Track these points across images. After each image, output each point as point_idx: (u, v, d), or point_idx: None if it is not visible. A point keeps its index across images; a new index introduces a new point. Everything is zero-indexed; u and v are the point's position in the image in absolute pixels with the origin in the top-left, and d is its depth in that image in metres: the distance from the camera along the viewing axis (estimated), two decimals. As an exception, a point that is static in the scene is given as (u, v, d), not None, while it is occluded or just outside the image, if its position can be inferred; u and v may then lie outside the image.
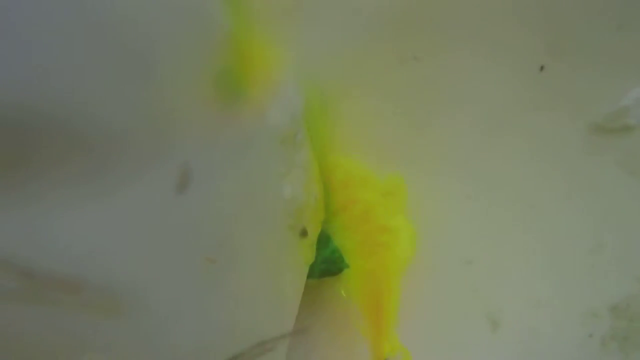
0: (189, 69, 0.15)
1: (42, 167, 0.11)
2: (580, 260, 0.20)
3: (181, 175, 0.15)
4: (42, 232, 0.11)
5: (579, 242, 0.20)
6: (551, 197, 0.20)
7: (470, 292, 0.21)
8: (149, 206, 0.14)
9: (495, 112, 0.21)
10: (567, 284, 0.20)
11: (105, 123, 0.12)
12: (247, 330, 0.19)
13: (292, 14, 0.21)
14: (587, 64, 0.19)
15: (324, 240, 0.24)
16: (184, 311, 0.15)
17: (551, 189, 0.20)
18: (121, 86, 0.13)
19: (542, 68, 0.20)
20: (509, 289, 0.21)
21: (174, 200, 0.15)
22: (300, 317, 0.22)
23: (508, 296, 0.21)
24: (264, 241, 0.20)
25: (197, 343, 0.16)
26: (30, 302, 0.10)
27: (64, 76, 0.11)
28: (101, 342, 0.12)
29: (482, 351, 0.21)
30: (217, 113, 0.17)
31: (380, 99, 0.22)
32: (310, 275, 0.23)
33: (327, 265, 0.24)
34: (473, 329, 0.21)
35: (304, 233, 0.22)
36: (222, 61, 0.17)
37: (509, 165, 0.21)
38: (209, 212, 0.16)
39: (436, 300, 0.22)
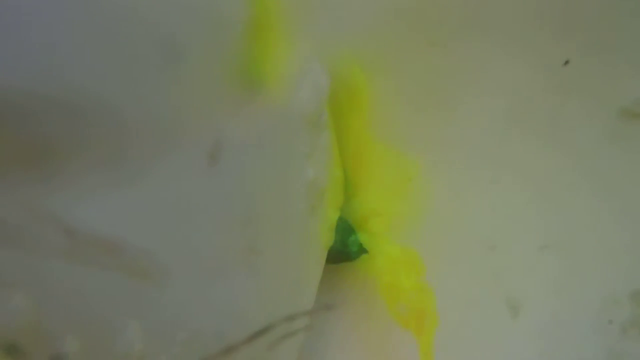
0: (216, 52, 0.16)
1: (84, 148, 0.11)
2: (601, 246, 0.20)
3: (213, 149, 0.15)
4: (86, 203, 0.11)
5: (601, 228, 0.20)
6: (575, 182, 0.21)
7: (491, 278, 0.21)
8: (184, 178, 0.14)
9: (520, 98, 0.21)
10: (587, 271, 0.20)
11: (140, 106, 0.12)
12: (269, 307, 0.19)
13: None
14: (614, 48, 0.19)
15: (342, 225, 0.24)
16: (214, 282, 0.15)
17: (575, 175, 0.20)
18: (152, 71, 0.13)
19: (566, 62, 0.20)
20: (530, 275, 0.21)
21: (207, 172, 0.15)
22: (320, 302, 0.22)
23: (529, 282, 0.21)
24: (286, 220, 0.20)
25: (224, 314, 0.16)
26: (76, 260, 0.10)
27: (97, 62, 0.11)
28: (138, 306, 0.12)
29: (502, 337, 0.21)
30: (245, 93, 0.17)
31: (403, 84, 0.22)
32: (328, 260, 0.23)
33: (345, 250, 0.24)
34: (493, 315, 0.21)
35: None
36: (248, 42, 0.17)
37: (533, 151, 0.21)
38: (238, 187, 0.16)
39: (457, 285, 0.22)
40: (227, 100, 0.16)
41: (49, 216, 0.10)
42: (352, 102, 0.23)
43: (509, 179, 0.21)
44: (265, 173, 0.18)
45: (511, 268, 0.21)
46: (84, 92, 0.11)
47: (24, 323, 0.09)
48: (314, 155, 0.21)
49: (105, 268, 0.11)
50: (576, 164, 0.21)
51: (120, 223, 0.12)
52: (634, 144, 0.20)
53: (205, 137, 0.15)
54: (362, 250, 0.24)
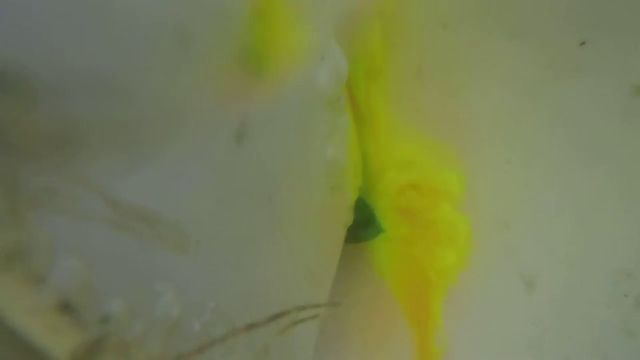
0: (229, 33, 0.16)
1: (114, 127, 0.12)
2: (615, 220, 0.21)
3: (239, 130, 0.16)
4: (126, 177, 0.12)
5: (614, 203, 0.21)
6: (588, 159, 0.21)
7: (505, 254, 0.22)
8: (211, 155, 0.15)
9: (534, 75, 0.21)
10: (601, 245, 0.21)
11: (151, 86, 0.13)
12: (290, 282, 0.20)
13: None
14: (626, 27, 0.19)
15: (360, 204, 0.25)
16: (240, 254, 0.16)
17: (589, 151, 0.21)
18: (177, 55, 0.13)
19: (582, 43, 0.20)
20: (544, 250, 0.21)
21: (233, 150, 0.15)
22: (336, 293, 0.23)
23: (543, 258, 0.21)
24: (307, 197, 0.20)
25: (249, 286, 0.17)
26: (119, 228, 0.11)
27: (123, 49, 0.12)
28: (173, 274, 0.13)
29: (517, 312, 0.22)
30: (264, 74, 0.18)
31: (418, 64, 0.22)
32: (347, 239, 0.24)
33: (364, 229, 0.25)
34: (508, 290, 0.22)
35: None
36: (262, 24, 0.18)
37: (546, 130, 0.21)
38: (262, 164, 0.17)
39: (472, 262, 0.22)
40: (247, 81, 0.17)
41: (93, 187, 0.11)
42: (370, 82, 0.23)
43: (522, 158, 0.22)
44: (287, 152, 0.19)
45: (525, 244, 0.22)
46: (104, 74, 0.11)
47: (77, 284, 0.10)
48: (333, 136, 0.21)
49: (143, 236, 0.12)
50: (589, 141, 0.21)
51: (154, 196, 0.13)
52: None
53: (230, 118, 0.16)
54: (379, 229, 0.25)
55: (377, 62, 0.22)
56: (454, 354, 0.23)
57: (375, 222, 0.25)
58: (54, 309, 0.09)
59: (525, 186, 0.22)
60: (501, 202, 0.22)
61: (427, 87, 0.22)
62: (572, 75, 0.21)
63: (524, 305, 0.22)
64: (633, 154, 0.20)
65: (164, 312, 0.12)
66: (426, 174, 0.23)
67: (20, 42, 0.10)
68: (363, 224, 0.25)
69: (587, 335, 0.21)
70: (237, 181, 0.16)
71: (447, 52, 0.22)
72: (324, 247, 0.23)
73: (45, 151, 0.10)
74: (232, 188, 0.16)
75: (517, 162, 0.22)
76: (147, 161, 0.13)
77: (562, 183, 0.21)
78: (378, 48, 0.22)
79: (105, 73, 0.11)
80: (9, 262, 0.09)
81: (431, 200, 0.23)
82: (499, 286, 0.22)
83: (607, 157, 0.20)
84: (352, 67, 0.22)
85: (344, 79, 0.21)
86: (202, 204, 0.14)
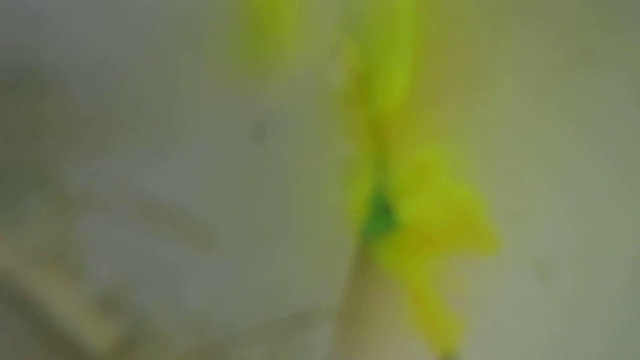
0: (244, 30, 0.16)
1: (130, 121, 0.12)
2: (629, 207, 0.20)
3: (256, 127, 0.16)
4: (149, 171, 0.12)
5: (627, 194, 0.21)
6: (601, 150, 0.21)
7: (520, 243, 0.22)
8: (231, 153, 0.15)
9: (540, 75, 0.21)
10: (616, 232, 0.21)
11: (164, 85, 0.13)
12: (305, 278, 0.20)
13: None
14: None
15: (375, 201, 0.25)
16: (258, 251, 0.16)
17: (602, 144, 0.21)
18: (194, 52, 0.13)
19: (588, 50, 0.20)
20: (559, 241, 0.21)
21: (252, 148, 0.16)
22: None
23: (558, 248, 0.21)
24: (321, 193, 0.21)
25: (267, 283, 0.17)
26: (148, 226, 0.11)
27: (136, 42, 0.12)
28: (196, 270, 0.13)
29: (532, 303, 0.22)
30: (278, 72, 0.18)
31: (429, 61, 0.22)
32: (361, 234, 0.24)
33: (378, 225, 0.25)
34: (522, 281, 0.22)
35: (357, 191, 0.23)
36: (278, 23, 0.18)
37: (560, 124, 0.21)
38: (280, 162, 0.17)
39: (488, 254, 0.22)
40: (260, 77, 0.17)
41: (125, 186, 0.11)
42: (381, 81, 0.23)
43: (535, 150, 0.22)
44: (303, 148, 0.19)
45: (540, 234, 0.21)
46: (116, 68, 0.11)
47: (113, 281, 0.10)
48: (347, 131, 0.21)
49: (169, 234, 0.12)
50: (602, 135, 0.21)
51: (178, 193, 0.13)
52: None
53: (247, 115, 0.16)
54: (394, 225, 0.25)
55: (387, 62, 0.22)
56: (467, 347, 0.22)
57: (390, 215, 0.25)
58: (95, 305, 0.10)
59: (538, 177, 0.22)
60: (515, 192, 0.22)
61: (440, 85, 0.22)
62: (580, 72, 0.21)
63: (538, 296, 0.22)
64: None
65: (190, 308, 0.13)
66: (441, 172, 0.23)
67: (37, 39, 0.10)
68: (378, 217, 0.25)
69: (604, 328, 0.21)
70: (257, 179, 0.16)
71: (456, 50, 0.22)
72: (339, 243, 0.23)
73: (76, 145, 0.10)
74: (252, 185, 0.16)
75: (530, 155, 0.22)
76: (170, 155, 0.13)
77: (575, 173, 0.21)
78: (390, 45, 0.22)
79: (118, 67, 0.11)
80: (55, 261, 0.09)
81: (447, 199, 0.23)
82: (513, 275, 0.22)
83: (621, 148, 0.20)
84: (366, 61, 0.22)
85: (357, 74, 0.21)
86: (226, 201, 0.14)
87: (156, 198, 0.12)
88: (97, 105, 0.11)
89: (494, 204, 0.22)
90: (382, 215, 0.25)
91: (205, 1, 0.14)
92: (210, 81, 0.14)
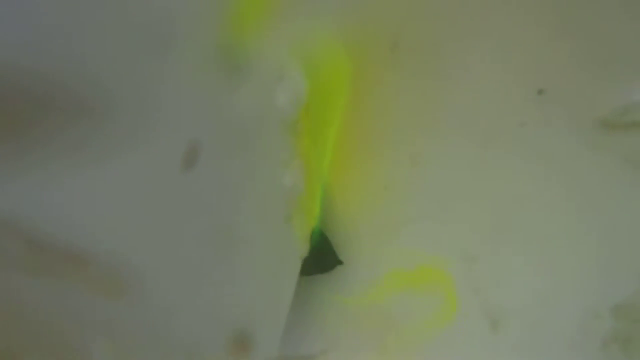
0: (197, 44, 0.15)
1: (47, 134, 0.10)
2: (582, 259, 0.20)
3: (189, 150, 0.14)
4: (45, 200, 0.10)
5: (582, 241, 0.20)
6: (554, 194, 0.20)
7: (471, 290, 0.21)
8: (155, 179, 0.13)
9: (501, 105, 0.20)
10: (568, 284, 0.20)
11: (111, 91, 0.12)
12: (243, 314, 0.18)
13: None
14: (597, 58, 0.19)
15: (316, 235, 0.23)
16: (186, 295, 0.14)
17: (554, 186, 0.20)
18: (130, 56, 0.12)
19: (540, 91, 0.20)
20: (510, 287, 0.21)
21: (182, 176, 0.14)
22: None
23: (509, 295, 0.21)
24: (262, 227, 0.19)
25: (199, 324, 0.15)
26: (35, 273, 0.09)
27: (74, 41, 0.11)
28: (104, 323, 0.11)
29: (482, 350, 0.21)
30: (225, 92, 0.16)
31: (383, 90, 0.22)
32: (302, 271, 0.23)
33: (320, 261, 0.24)
34: (473, 328, 0.21)
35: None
36: (228, 39, 0.17)
37: (512, 161, 0.21)
38: (214, 192, 0.16)
39: (437, 297, 0.21)
40: (206, 96, 0.16)
41: (9, 224, 0.09)
42: (330, 108, 0.22)
43: (488, 191, 0.21)
44: (242, 179, 0.18)
45: (491, 280, 0.21)
46: (62, 67, 0.10)
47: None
48: (291, 162, 0.20)
49: (69, 281, 0.10)
50: (559, 173, 0.20)
51: (81, 226, 0.11)
52: (613, 155, 0.20)
53: (181, 136, 0.14)
54: (336, 261, 0.24)
55: (338, 87, 0.21)
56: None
57: (332, 254, 0.24)
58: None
59: (489, 219, 0.21)
60: (465, 234, 0.21)
61: (390, 113, 0.22)
62: (537, 106, 0.20)
63: (488, 343, 0.21)
64: (601, 191, 0.20)
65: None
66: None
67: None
68: (319, 256, 0.23)
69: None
70: (185, 211, 0.14)
71: (415, 75, 0.21)
72: (279, 278, 0.21)
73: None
74: (180, 219, 0.14)
75: (482, 196, 0.21)
76: (84, 169, 0.11)
77: (528, 216, 0.21)
78: (339, 71, 0.21)
79: (60, 65, 0.10)
80: None
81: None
82: (463, 322, 0.21)
83: (574, 193, 0.20)
84: (312, 92, 0.20)
85: (303, 104, 0.20)
86: (146, 240, 0.12)
87: (48, 233, 0.10)
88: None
89: (445, 248, 0.21)
90: (323, 250, 0.23)
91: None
92: (155, 95, 0.13)
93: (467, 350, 0.21)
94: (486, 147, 0.21)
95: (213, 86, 0.16)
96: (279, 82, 0.19)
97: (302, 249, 0.22)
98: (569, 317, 0.20)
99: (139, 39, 0.12)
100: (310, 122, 0.21)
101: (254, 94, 0.17)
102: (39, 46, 0.10)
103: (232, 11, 0.16)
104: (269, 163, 0.19)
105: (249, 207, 0.18)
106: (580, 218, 0.20)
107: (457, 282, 0.21)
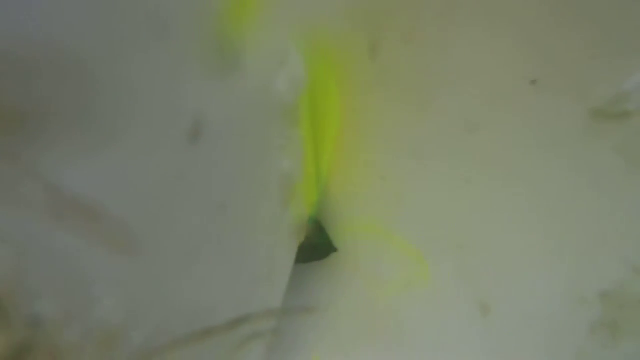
0: (198, 27, 0.15)
1: (64, 110, 0.11)
2: (570, 245, 0.20)
3: (194, 129, 0.15)
4: (64, 165, 0.11)
5: (572, 228, 0.20)
6: (547, 182, 0.21)
7: (461, 276, 0.21)
8: (164, 151, 0.14)
9: (494, 95, 0.21)
10: (558, 270, 0.20)
11: (119, 72, 0.12)
12: (238, 297, 0.18)
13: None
14: (590, 47, 0.19)
15: (312, 223, 0.24)
16: (187, 263, 0.15)
17: (547, 174, 0.21)
18: (134, 39, 0.12)
19: (533, 82, 0.20)
20: (500, 274, 0.21)
21: (187, 149, 0.14)
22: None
23: (499, 281, 0.21)
24: (259, 210, 0.19)
25: (194, 299, 0.15)
26: (57, 220, 0.10)
27: (80, 24, 0.11)
28: (113, 278, 0.11)
29: (472, 336, 0.21)
30: (226, 72, 0.17)
31: (376, 80, 0.22)
32: (298, 258, 0.23)
33: (315, 248, 0.24)
34: (463, 314, 0.21)
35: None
36: (227, 25, 0.17)
37: (507, 149, 0.21)
38: (215, 169, 0.16)
39: (429, 285, 0.21)
40: (209, 77, 0.16)
41: (33, 173, 0.09)
42: (330, 97, 0.22)
43: (481, 178, 0.21)
44: (242, 159, 0.18)
45: (481, 267, 0.21)
46: (65, 53, 0.10)
47: (5, 278, 0.08)
48: (289, 148, 0.20)
49: (83, 232, 0.10)
50: (552, 161, 0.21)
51: (102, 188, 0.11)
52: (607, 143, 0.20)
53: (186, 114, 0.15)
54: (331, 248, 0.24)
55: (333, 77, 0.22)
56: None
57: (327, 242, 0.24)
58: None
59: (482, 206, 0.21)
60: (458, 222, 0.21)
61: (385, 105, 0.22)
62: (533, 94, 0.20)
63: (478, 329, 0.21)
64: (592, 179, 0.20)
65: (103, 320, 0.11)
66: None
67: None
68: (314, 243, 0.24)
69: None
70: (189, 183, 0.15)
71: (407, 67, 0.22)
72: (274, 262, 0.21)
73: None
74: (184, 190, 0.15)
75: (475, 183, 0.21)
76: (100, 150, 0.11)
77: (520, 204, 0.21)
78: (334, 63, 0.22)
79: (79, 52, 0.10)
80: None
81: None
82: (454, 308, 0.21)
83: (566, 180, 0.20)
84: (313, 78, 0.21)
85: (302, 90, 0.21)
86: (153, 204, 0.13)
87: (73, 189, 0.10)
88: (37, 86, 0.10)
89: (436, 235, 0.21)
90: (318, 238, 0.24)
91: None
92: (162, 75, 0.13)
93: (458, 335, 0.21)
94: (481, 136, 0.21)
95: (214, 70, 0.16)
96: (279, 68, 0.19)
97: (298, 235, 0.22)
98: (557, 303, 0.20)
99: (140, 25, 0.12)
100: (310, 110, 0.22)
101: (254, 78, 0.18)
102: (51, 35, 0.10)
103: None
104: (268, 146, 0.19)
105: (246, 187, 0.18)
106: (570, 205, 0.20)
107: (448, 268, 0.21)
